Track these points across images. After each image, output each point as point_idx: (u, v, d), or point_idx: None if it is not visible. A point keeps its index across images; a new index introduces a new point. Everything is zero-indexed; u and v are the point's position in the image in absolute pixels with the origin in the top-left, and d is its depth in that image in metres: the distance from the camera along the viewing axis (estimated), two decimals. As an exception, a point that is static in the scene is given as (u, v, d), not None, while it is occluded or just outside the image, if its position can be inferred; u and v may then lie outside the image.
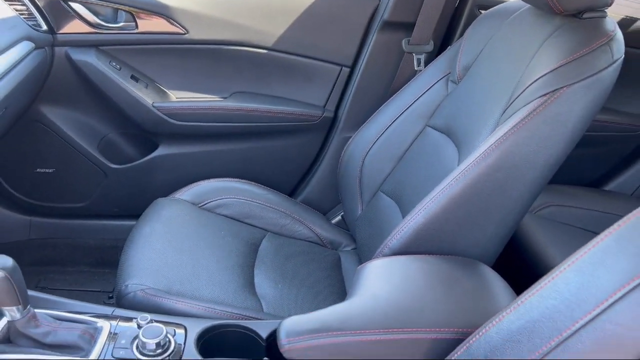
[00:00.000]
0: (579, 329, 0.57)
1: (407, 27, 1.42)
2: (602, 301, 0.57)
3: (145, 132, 1.51)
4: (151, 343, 0.80)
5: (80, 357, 0.80)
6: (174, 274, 1.10)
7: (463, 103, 1.17)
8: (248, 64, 1.47)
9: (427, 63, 1.39)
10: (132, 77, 1.44)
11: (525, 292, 0.64)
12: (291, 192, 1.62)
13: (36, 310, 0.82)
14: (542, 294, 0.62)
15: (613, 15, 1.02)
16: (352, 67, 1.50)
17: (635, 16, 1.39)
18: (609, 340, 0.55)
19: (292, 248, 1.36)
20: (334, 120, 1.55)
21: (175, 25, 1.40)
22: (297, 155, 1.59)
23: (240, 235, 1.32)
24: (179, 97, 1.48)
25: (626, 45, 0.97)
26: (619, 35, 0.94)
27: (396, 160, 1.30)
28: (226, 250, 1.24)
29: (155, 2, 1.37)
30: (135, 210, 1.41)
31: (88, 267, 1.64)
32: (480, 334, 0.65)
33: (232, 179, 1.44)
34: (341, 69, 1.50)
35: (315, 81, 1.52)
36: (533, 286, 0.64)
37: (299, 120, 1.52)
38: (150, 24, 1.40)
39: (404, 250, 0.94)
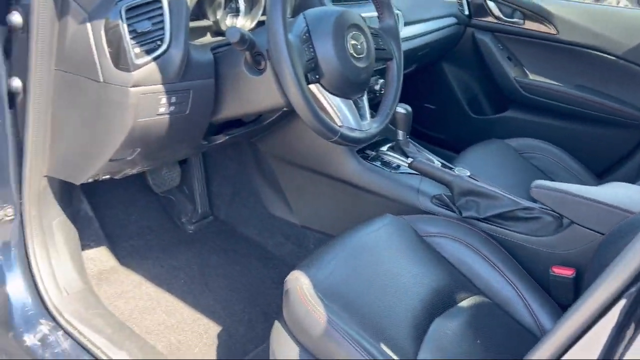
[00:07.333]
0: None
1: None
2: None
3: (502, 96, 2.13)
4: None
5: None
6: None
7: None
8: (594, 64, 1.93)
9: None
10: (508, 57, 2.08)
11: None
12: (600, 174, 1.99)
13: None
14: None
15: None
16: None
17: None
18: None
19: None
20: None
21: (550, 27, 1.96)
22: (611, 144, 1.95)
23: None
24: (533, 77, 2.05)
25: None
26: None
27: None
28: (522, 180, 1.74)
29: (543, 8, 1.96)
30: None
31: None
32: None
33: (550, 144, 1.91)
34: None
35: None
36: None
37: (620, 116, 1.89)
38: (533, 23, 1.99)
39: None
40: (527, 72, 2.07)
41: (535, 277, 1.25)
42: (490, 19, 2.07)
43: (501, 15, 2.05)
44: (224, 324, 1.44)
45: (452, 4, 2.03)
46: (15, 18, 1.00)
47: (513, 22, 2.04)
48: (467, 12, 2.09)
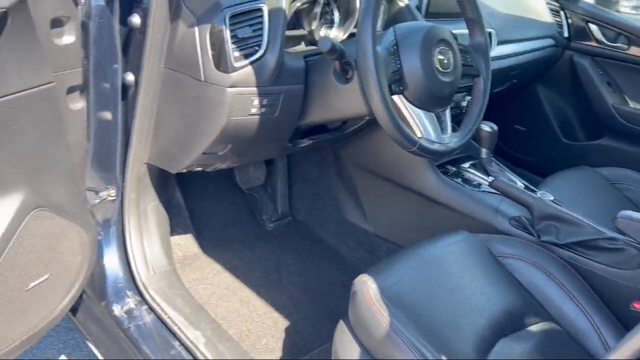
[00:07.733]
0: None
1: None
2: None
3: (598, 122, 2.04)
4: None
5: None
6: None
7: None
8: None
9: None
10: (608, 82, 1.99)
11: None
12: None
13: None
14: None
15: None
16: None
17: None
18: None
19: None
20: None
21: (656, 54, 1.87)
22: None
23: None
24: (634, 105, 1.95)
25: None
26: None
27: None
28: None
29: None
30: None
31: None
32: None
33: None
34: None
35: None
36: None
37: None
38: (639, 49, 1.90)
39: None
40: (627, 99, 1.98)
41: (613, 310, 1.19)
42: (591, 42, 2.00)
43: (604, 40, 1.97)
44: (292, 319, 1.50)
45: (550, 26, 1.98)
46: (135, 20, 1.12)
47: (616, 47, 1.95)
48: (566, 35, 2.03)
